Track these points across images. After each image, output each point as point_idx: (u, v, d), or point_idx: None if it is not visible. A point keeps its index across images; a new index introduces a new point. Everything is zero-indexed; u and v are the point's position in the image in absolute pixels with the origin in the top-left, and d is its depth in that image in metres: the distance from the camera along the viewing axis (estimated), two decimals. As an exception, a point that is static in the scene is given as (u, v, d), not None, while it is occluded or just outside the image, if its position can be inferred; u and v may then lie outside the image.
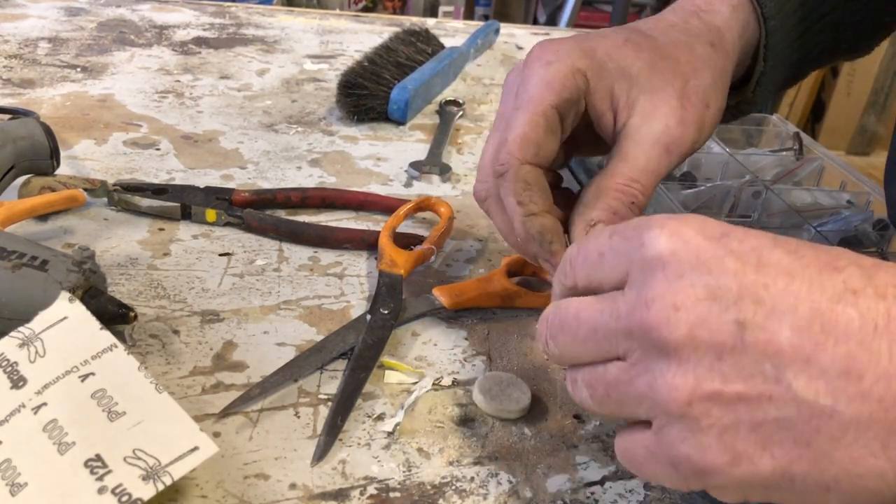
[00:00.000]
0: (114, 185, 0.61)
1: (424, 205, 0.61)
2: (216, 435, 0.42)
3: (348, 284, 0.55)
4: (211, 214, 0.60)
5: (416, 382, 0.46)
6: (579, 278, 0.34)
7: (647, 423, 0.31)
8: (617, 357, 0.32)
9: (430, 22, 1.15)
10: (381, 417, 0.44)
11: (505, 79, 0.46)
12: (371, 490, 0.39)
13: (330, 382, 0.46)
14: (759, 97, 0.50)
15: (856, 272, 0.28)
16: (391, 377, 0.47)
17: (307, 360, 0.47)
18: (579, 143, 0.46)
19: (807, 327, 0.28)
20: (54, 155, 0.60)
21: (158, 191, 0.61)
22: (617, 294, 0.32)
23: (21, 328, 0.42)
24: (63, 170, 0.63)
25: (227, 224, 0.60)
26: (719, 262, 0.29)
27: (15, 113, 0.72)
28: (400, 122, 0.81)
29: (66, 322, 0.42)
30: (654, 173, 0.41)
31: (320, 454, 0.41)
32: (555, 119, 0.41)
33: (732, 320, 0.28)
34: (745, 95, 0.50)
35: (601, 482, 0.41)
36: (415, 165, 0.71)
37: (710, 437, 0.28)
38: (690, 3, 0.46)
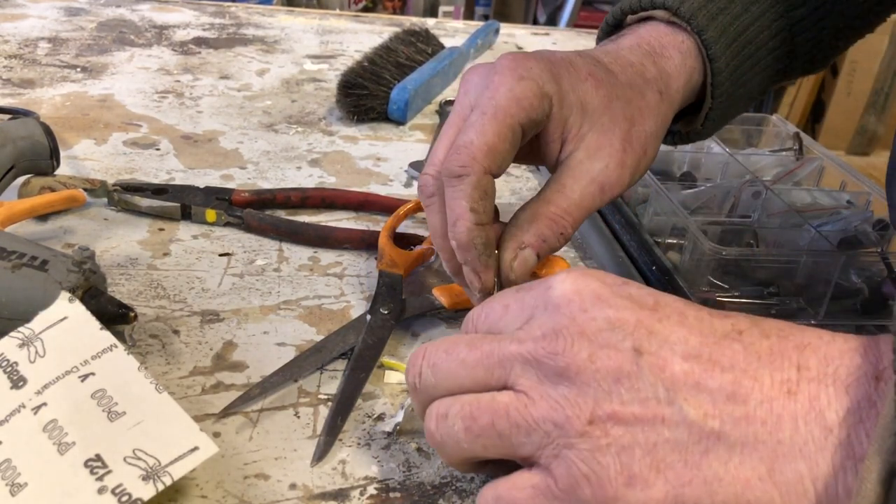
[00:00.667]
0: (114, 185, 0.61)
1: (424, 205, 0.61)
2: (216, 435, 0.42)
3: (348, 284, 0.55)
4: (211, 214, 0.60)
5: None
6: (486, 326, 0.36)
7: (525, 467, 0.32)
8: (503, 386, 0.33)
9: (430, 22, 1.15)
10: (381, 417, 0.44)
11: (464, 75, 0.45)
12: (371, 490, 0.39)
13: (330, 382, 0.46)
14: (708, 129, 0.52)
15: (744, 319, 0.32)
16: (391, 377, 0.47)
17: (307, 360, 0.47)
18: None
19: (696, 356, 0.30)
20: (54, 155, 0.60)
21: (158, 191, 0.61)
22: (517, 330, 0.33)
23: (21, 328, 0.42)
24: (63, 170, 0.63)
25: (227, 224, 0.60)
26: (619, 301, 0.32)
27: (15, 113, 0.72)
28: (400, 122, 0.81)
29: (66, 322, 0.42)
30: (585, 209, 0.42)
31: (320, 454, 0.41)
32: (519, 135, 0.41)
33: (630, 347, 0.31)
34: (695, 126, 0.52)
35: (601, 482, 0.41)
36: (415, 165, 0.71)
37: (608, 456, 0.30)
38: (647, 43, 0.47)
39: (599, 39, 0.52)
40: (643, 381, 0.30)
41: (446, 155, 0.41)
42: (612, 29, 0.52)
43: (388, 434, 0.43)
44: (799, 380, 0.29)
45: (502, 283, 0.42)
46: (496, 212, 0.44)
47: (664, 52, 0.47)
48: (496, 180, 0.41)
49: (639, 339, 0.31)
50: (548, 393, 0.31)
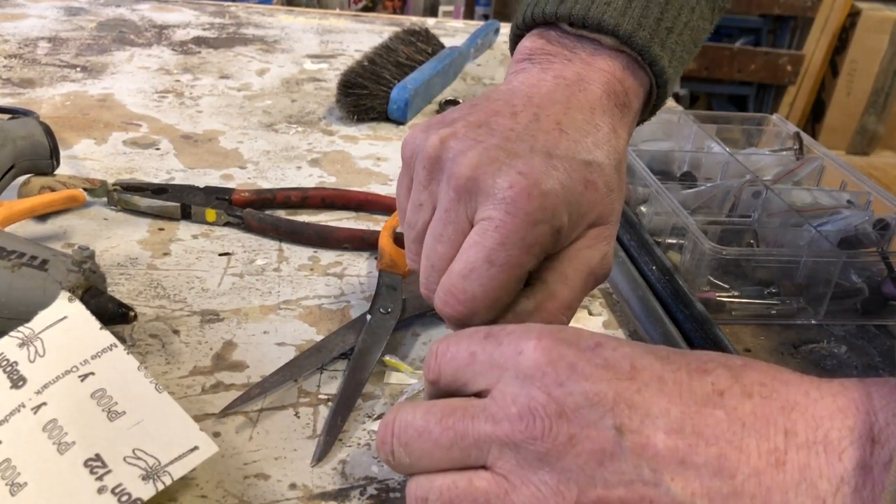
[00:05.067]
0: (114, 184, 0.61)
1: (424, 205, 0.61)
2: (216, 435, 0.42)
3: (348, 284, 0.55)
4: (211, 214, 0.60)
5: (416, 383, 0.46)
6: (444, 375, 0.34)
7: None
8: (482, 466, 0.31)
9: (430, 22, 1.15)
10: (381, 417, 0.44)
11: (407, 142, 0.40)
12: (371, 490, 0.39)
13: (330, 382, 0.46)
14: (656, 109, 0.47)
15: (723, 373, 0.30)
16: (391, 377, 0.47)
17: (307, 360, 0.47)
18: None
19: (679, 429, 0.29)
20: (54, 155, 0.60)
21: (158, 191, 0.61)
22: (489, 402, 0.31)
23: (21, 328, 0.42)
24: (63, 170, 0.63)
25: (227, 224, 0.60)
26: (594, 371, 0.30)
27: (15, 113, 0.72)
28: (400, 122, 0.81)
29: (66, 322, 0.42)
30: (579, 302, 0.40)
31: (320, 454, 0.41)
32: (524, 276, 0.38)
33: (611, 426, 0.29)
34: (644, 116, 0.47)
35: (601, 482, 0.41)
36: (415, 165, 0.71)
37: None
38: (616, 96, 0.41)
39: (516, 52, 0.44)
40: (627, 463, 0.28)
41: (441, 286, 0.37)
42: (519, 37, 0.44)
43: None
44: (787, 448, 0.28)
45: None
46: None
47: (630, 104, 0.42)
48: None
49: (619, 417, 0.29)
50: (529, 478, 0.29)
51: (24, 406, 0.38)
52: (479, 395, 0.32)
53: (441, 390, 0.34)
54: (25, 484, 0.35)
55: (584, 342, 0.31)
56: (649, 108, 0.45)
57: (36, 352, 0.41)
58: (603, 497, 0.28)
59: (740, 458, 0.28)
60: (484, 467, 0.31)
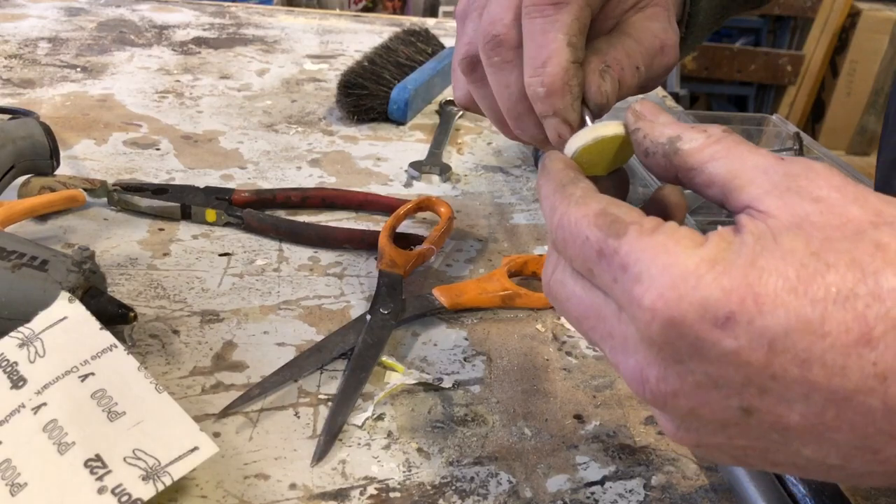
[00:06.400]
0: (114, 185, 0.61)
1: (424, 205, 0.61)
2: (216, 435, 0.42)
3: (348, 284, 0.55)
4: (211, 214, 0.60)
5: (416, 383, 0.46)
6: (562, 247, 0.30)
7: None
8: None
9: (430, 22, 1.15)
10: (381, 417, 0.44)
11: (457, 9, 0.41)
12: (371, 490, 0.39)
13: (330, 382, 0.46)
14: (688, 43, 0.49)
15: (893, 344, 0.24)
16: (391, 377, 0.47)
17: (307, 360, 0.47)
18: None
19: (820, 414, 0.25)
20: (54, 155, 0.60)
21: (158, 191, 0.61)
22: (613, 325, 0.28)
23: (21, 328, 0.42)
24: (63, 170, 0.63)
25: (227, 224, 0.60)
26: (721, 353, 0.25)
27: (15, 113, 0.72)
28: (400, 122, 0.81)
29: (66, 322, 0.42)
30: (651, 57, 0.38)
31: (320, 454, 0.41)
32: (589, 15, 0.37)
33: (737, 407, 0.26)
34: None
35: (601, 482, 0.41)
36: (415, 165, 0.71)
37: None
38: None
39: None
40: (753, 431, 0.26)
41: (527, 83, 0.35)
42: None
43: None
44: None
45: (586, 118, 0.36)
46: None
47: None
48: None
49: (746, 399, 0.26)
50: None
51: (24, 406, 0.38)
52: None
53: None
54: (25, 484, 0.35)
55: (713, 312, 0.25)
56: None
57: (36, 352, 0.41)
58: (723, 444, 0.27)
59: (888, 441, 0.25)
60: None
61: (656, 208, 0.33)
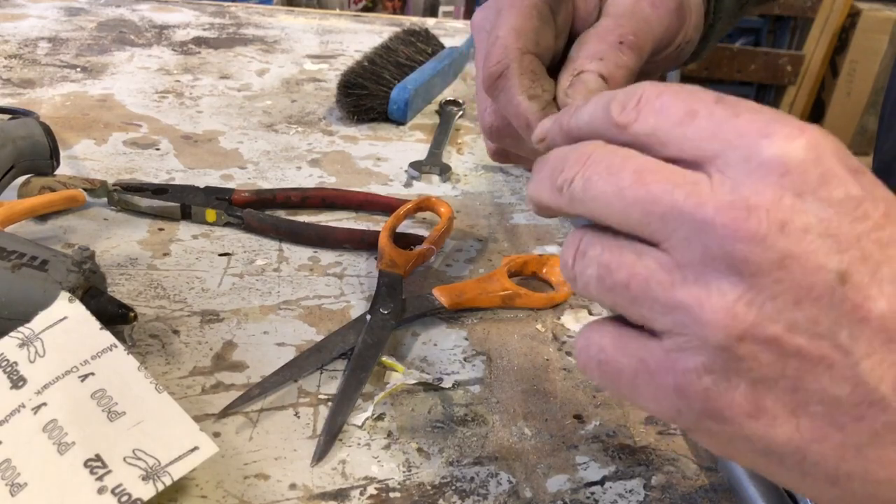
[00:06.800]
0: (114, 185, 0.61)
1: (424, 205, 0.61)
2: (216, 435, 0.42)
3: (348, 284, 0.55)
4: (211, 214, 0.60)
5: (416, 383, 0.46)
6: (641, 123, 0.27)
7: (649, 331, 0.27)
8: (657, 243, 0.26)
9: (430, 22, 1.15)
10: (381, 417, 0.44)
11: (472, 20, 0.41)
12: (371, 490, 0.39)
13: (330, 382, 0.46)
14: (715, 33, 0.49)
15: None
16: (391, 377, 0.47)
17: (307, 360, 0.47)
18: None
19: None
20: (54, 155, 0.60)
21: (158, 191, 0.61)
22: (702, 177, 0.25)
23: (21, 328, 0.42)
24: (63, 170, 0.63)
25: (226, 224, 0.60)
26: (844, 199, 0.24)
27: (15, 113, 0.72)
28: (400, 122, 0.81)
29: (66, 322, 0.42)
30: (642, 20, 0.37)
31: (320, 454, 0.41)
32: (546, 12, 0.37)
33: (834, 268, 0.24)
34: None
35: (601, 482, 0.41)
36: (415, 165, 0.71)
37: (743, 382, 0.24)
38: None
39: None
40: (827, 315, 0.24)
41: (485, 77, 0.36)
42: None
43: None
44: None
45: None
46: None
47: None
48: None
49: (846, 261, 0.24)
50: (706, 279, 0.24)
51: (24, 406, 0.38)
52: (676, 163, 0.27)
53: (622, 141, 0.28)
54: (25, 484, 0.35)
55: (847, 161, 0.25)
56: None
57: (36, 352, 0.41)
58: (779, 338, 0.24)
59: None
60: (659, 247, 0.26)
61: None
